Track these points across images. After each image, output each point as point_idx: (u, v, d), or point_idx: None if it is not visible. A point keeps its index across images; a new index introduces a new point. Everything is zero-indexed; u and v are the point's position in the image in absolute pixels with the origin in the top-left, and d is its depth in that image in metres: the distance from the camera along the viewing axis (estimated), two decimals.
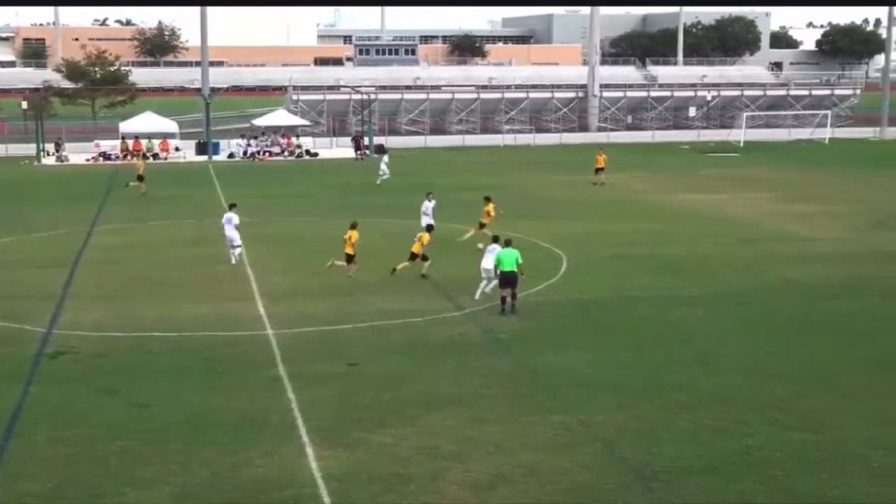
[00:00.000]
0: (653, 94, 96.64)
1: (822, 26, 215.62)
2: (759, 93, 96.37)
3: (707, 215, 44.49)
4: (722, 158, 68.81)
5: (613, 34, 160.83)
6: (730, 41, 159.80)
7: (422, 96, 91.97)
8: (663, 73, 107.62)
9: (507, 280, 27.81)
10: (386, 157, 59.99)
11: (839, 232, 40.16)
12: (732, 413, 20.35)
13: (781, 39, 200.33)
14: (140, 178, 54.15)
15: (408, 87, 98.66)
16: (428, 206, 37.55)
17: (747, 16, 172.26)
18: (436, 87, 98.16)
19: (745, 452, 18.42)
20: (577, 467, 17.71)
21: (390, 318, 27.48)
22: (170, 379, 22.45)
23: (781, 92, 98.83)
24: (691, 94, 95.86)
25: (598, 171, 55.07)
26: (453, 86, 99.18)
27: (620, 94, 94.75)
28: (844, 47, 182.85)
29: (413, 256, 32.40)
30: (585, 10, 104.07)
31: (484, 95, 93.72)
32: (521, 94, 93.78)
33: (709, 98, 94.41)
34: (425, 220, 37.11)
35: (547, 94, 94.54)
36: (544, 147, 79.74)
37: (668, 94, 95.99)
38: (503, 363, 23.78)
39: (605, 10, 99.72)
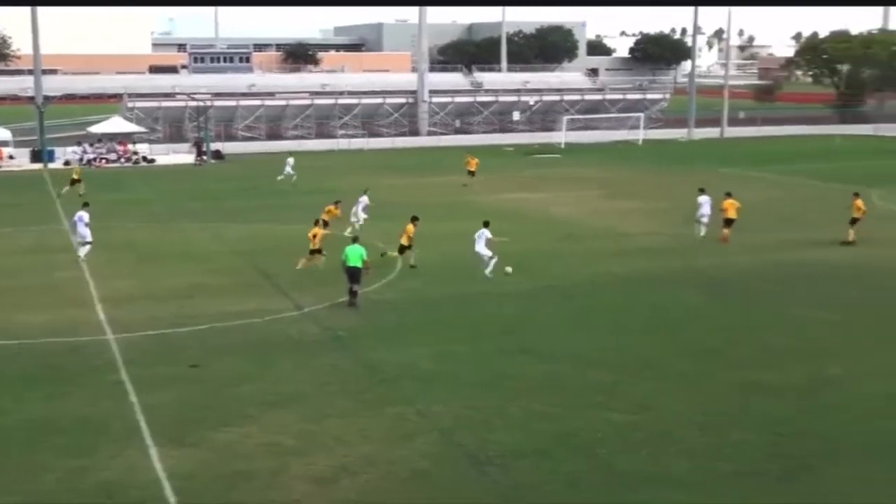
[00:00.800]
0: (479, 99, 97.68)
1: (633, 35, 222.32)
2: (577, 97, 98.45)
3: (533, 213, 45.27)
4: (545, 159, 70.15)
5: (441, 42, 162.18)
6: (550, 49, 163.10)
7: (257, 103, 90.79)
8: (488, 79, 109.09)
9: (352, 275, 28.25)
10: (291, 160, 59.35)
11: (656, 227, 41.41)
12: (560, 399, 20.77)
13: (597, 47, 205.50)
14: None
15: (243, 94, 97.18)
16: (362, 201, 39.83)
17: (565, 25, 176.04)
18: (270, 94, 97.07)
19: (572, 435, 18.83)
20: (417, 456, 17.78)
21: (231, 319, 27.04)
22: (11, 388, 21.55)
23: (598, 96, 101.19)
24: (515, 99, 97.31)
25: (470, 173, 55.39)
26: (288, 92, 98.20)
27: (448, 99, 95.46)
28: (654, 54, 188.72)
29: (402, 249, 33.17)
30: (414, 19, 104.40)
31: (318, 101, 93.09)
32: (354, 100, 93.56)
33: (531, 103, 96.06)
34: (360, 215, 39.25)
35: (379, 100, 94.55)
36: (377, 151, 79.77)
37: (493, 99, 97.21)
38: (342, 360, 23.68)
39: (432, 20, 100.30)
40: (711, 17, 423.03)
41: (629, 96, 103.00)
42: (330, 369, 22.82)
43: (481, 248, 32.05)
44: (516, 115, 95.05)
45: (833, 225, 40.55)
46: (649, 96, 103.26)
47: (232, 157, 69.78)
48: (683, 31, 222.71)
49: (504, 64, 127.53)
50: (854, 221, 37.57)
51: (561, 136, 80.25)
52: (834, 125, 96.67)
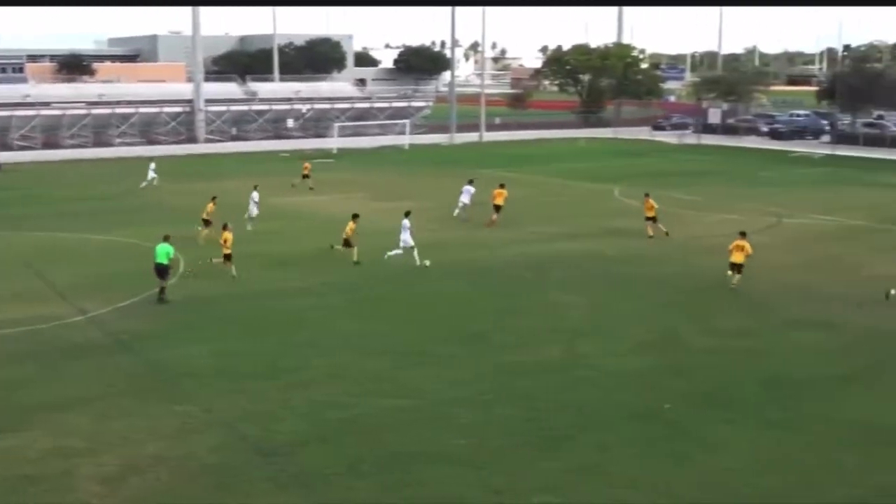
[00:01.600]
0: (254, 107, 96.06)
1: (397, 47, 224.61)
2: (347, 105, 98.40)
3: (310, 215, 45.00)
4: (319, 164, 69.84)
5: (215, 53, 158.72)
6: (319, 60, 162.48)
7: (32, 113, 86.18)
8: (262, 88, 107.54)
9: (160, 271, 28.24)
10: (153, 164, 56.70)
11: (426, 224, 41.89)
12: (342, 387, 20.81)
13: (364, 58, 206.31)
14: None
15: (18, 105, 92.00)
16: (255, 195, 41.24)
17: (333, 37, 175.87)
18: (46, 104, 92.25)
19: (353, 421, 18.89)
20: (204, 451, 17.40)
21: (14, 326, 25.60)
22: None
23: (367, 104, 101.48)
24: (288, 107, 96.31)
25: (304, 177, 55.12)
26: (64, 102, 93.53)
27: (224, 108, 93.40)
28: (417, 65, 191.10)
29: (346, 243, 33.52)
30: (188, 31, 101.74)
31: (95, 111, 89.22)
32: (131, 110, 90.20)
33: (304, 111, 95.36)
34: (253, 209, 40.40)
35: (156, 109, 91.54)
36: (156, 158, 77.12)
37: (267, 107, 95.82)
38: (127, 362, 22.86)
39: (205, 32, 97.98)
40: (467, 31, 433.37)
41: (395, 104, 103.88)
42: (115, 371, 22.00)
43: (406, 236, 33.31)
44: (290, 123, 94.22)
45: (580, 218, 42.30)
46: (414, 104, 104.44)
47: (8, 167, 65.98)
48: (443, 44, 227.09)
49: (276, 74, 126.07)
50: (650, 219, 38.29)
51: (333, 142, 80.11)
52: (579, 129, 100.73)
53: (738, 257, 30.16)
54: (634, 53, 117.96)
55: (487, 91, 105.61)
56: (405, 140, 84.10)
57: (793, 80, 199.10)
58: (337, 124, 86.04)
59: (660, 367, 22.49)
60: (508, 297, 29.23)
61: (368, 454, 17.32)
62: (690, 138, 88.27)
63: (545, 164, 67.83)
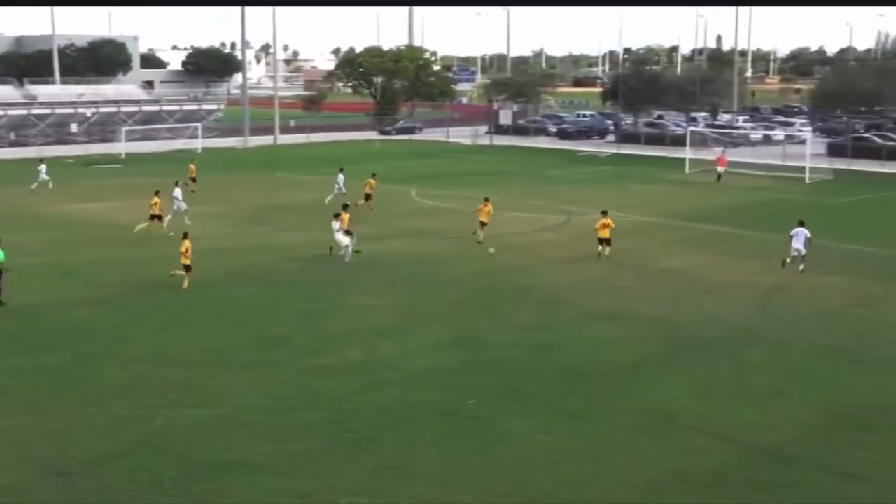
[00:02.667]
0: (34, 111, 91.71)
1: (186, 49, 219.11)
2: (134, 109, 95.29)
3: (98, 222, 43.42)
4: (106, 170, 67.43)
5: None
6: (104, 62, 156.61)
7: None
8: (43, 91, 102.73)
9: None
10: (43, 166, 53.91)
11: (220, 229, 41.18)
12: (141, 399, 20.25)
13: (151, 60, 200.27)
14: None
15: None
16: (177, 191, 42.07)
17: (117, 38, 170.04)
18: None
19: (154, 434, 18.45)
20: None
21: None
22: None
23: (155, 108, 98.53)
24: (72, 111, 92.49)
25: (191, 179, 53.59)
26: None
27: (1, 112, 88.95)
28: (207, 67, 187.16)
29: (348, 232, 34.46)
30: None
31: None
32: None
33: (88, 115, 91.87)
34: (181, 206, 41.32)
35: None
36: None
37: (49, 111, 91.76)
38: None
39: None
40: (258, 33, 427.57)
41: (186, 107, 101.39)
42: None
43: (339, 236, 34.02)
44: (74, 127, 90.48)
45: (379, 219, 42.60)
46: (205, 107, 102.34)
47: None
48: (233, 45, 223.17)
49: (57, 76, 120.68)
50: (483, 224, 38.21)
51: (121, 147, 77.51)
52: (374, 131, 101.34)
53: (604, 233, 34.70)
54: (426, 56, 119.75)
55: (281, 93, 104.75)
56: (197, 144, 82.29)
57: (578, 82, 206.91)
58: (124, 128, 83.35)
59: (460, 365, 23.02)
60: (309, 301, 29.16)
61: (172, 467, 16.95)
62: (483, 139, 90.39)
63: (341, 166, 67.81)
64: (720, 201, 50.21)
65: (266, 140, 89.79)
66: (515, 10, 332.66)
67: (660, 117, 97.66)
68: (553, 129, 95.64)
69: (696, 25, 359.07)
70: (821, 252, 36.14)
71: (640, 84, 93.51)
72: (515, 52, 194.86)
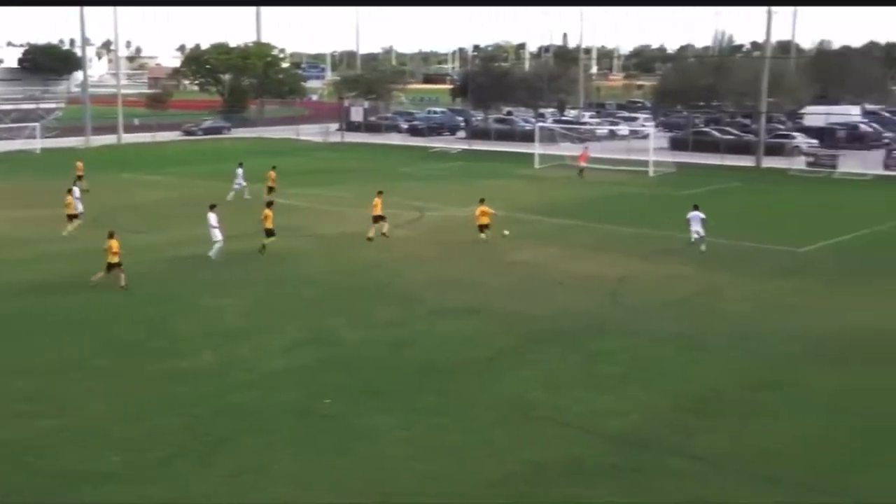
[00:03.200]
0: None
1: (21, 45, 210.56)
2: None
3: None
4: None
5: None
6: None
7: None
8: None
9: None
10: None
11: (55, 233, 39.75)
12: None
13: None
14: None
15: None
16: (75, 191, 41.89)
17: None
18: None
19: (3, 446, 17.78)
20: None
21: None
22: None
23: None
24: None
25: (79, 177, 50.35)
26: None
27: None
28: (45, 65, 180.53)
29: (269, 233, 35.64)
30: None
31: None
32: None
33: None
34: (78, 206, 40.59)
35: None
36: None
37: None
38: None
39: None
40: (100, 30, 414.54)
41: (22, 106, 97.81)
42: None
43: (214, 231, 34.18)
44: None
45: (231, 219, 41.92)
46: (43, 106, 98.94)
47: None
48: (72, 42, 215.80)
49: None
50: (378, 218, 38.06)
51: None
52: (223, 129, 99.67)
53: (483, 220, 37.46)
54: (274, 52, 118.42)
55: (124, 91, 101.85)
56: (36, 144, 79.30)
57: (429, 79, 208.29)
58: None
59: (317, 363, 22.94)
60: (162, 303, 28.54)
61: (20, 480, 16.36)
62: (335, 136, 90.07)
63: (188, 166, 66.61)
64: (569, 195, 51.45)
65: (110, 139, 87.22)
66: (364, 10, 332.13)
67: (509, 113, 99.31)
68: (404, 125, 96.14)
69: (542, 23, 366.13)
70: (666, 242, 37.52)
71: (489, 81, 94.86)
72: (365, 49, 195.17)
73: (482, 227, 37.48)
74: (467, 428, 19.03)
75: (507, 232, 37.81)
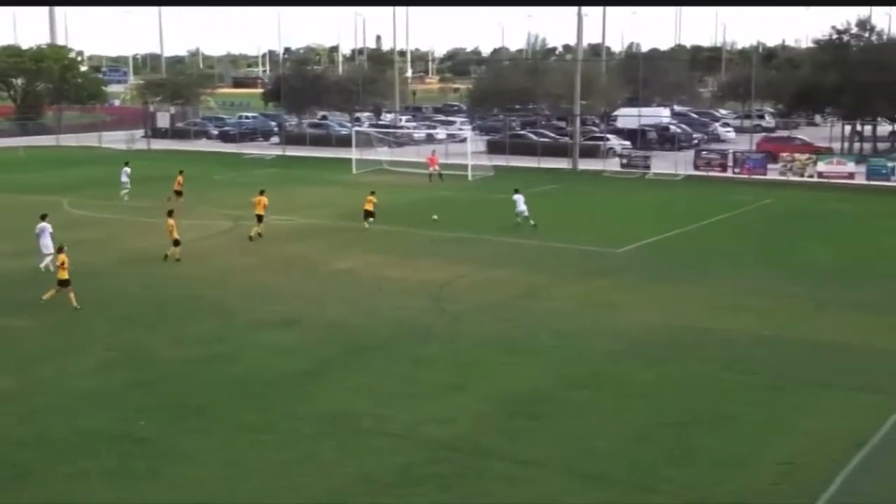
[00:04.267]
0: None
1: None
2: None
3: None
4: None
5: None
6: None
7: None
8: None
9: None
10: None
11: None
12: None
13: None
14: None
15: None
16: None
17: None
18: None
19: None
20: None
21: None
22: None
23: None
24: None
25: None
26: None
27: None
28: None
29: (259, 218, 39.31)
30: None
31: None
32: None
33: None
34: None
35: None
36: None
37: None
38: None
39: None
40: None
41: None
42: None
43: (45, 241, 33.27)
44: None
45: (20, 234, 40.20)
46: None
47: None
48: None
49: None
50: (260, 218, 40.51)
51: None
52: (18, 137, 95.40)
53: (369, 206, 42.81)
54: (72, 55, 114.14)
55: None
56: None
57: (239, 83, 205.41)
58: None
59: (128, 384, 22.21)
60: None
61: None
62: (140, 143, 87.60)
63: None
64: (388, 201, 51.46)
65: None
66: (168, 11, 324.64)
67: (324, 118, 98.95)
68: (215, 131, 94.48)
69: (355, 25, 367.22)
70: (485, 246, 38.23)
71: (302, 84, 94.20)
72: (170, 52, 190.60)
73: (368, 214, 42.57)
74: (291, 443, 18.83)
75: (435, 217, 42.90)
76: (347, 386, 22.23)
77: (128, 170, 52.53)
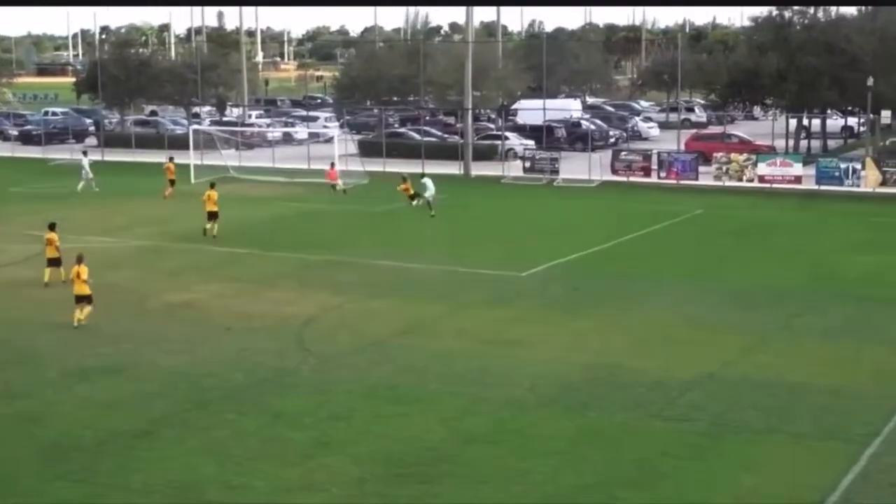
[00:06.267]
0: None
1: None
2: None
3: None
4: None
5: None
6: None
7: None
8: None
9: None
10: None
11: None
12: None
13: None
14: None
15: None
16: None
17: None
18: None
19: None
20: None
21: None
22: None
23: None
24: None
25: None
26: None
27: None
28: None
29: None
30: None
31: None
32: None
33: None
34: None
35: None
36: None
37: None
38: None
39: None
40: None
41: None
42: None
43: None
44: None
45: None
46: None
47: None
48: None
49: None
50: (212, 215, 45.61)
51: None
52: None
53: (211, 206, 45.49)
54: None
55: None
56: None
57: (44, 71, 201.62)
58: None
59: None
60: None
61: None
62: None
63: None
64: (236, 217, 51.14)
65: None
66: None
67: (153, 114, 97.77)
68: (13, 131, 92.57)
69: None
70: (360, 271, 38.23)
71: (124, 72, 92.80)
72: None
73: (211, 215, 45.31)
74: None
75: (345, 189, 50.75)
76: (189, 448, 21.97)
77: (86, 160, 61.48)
